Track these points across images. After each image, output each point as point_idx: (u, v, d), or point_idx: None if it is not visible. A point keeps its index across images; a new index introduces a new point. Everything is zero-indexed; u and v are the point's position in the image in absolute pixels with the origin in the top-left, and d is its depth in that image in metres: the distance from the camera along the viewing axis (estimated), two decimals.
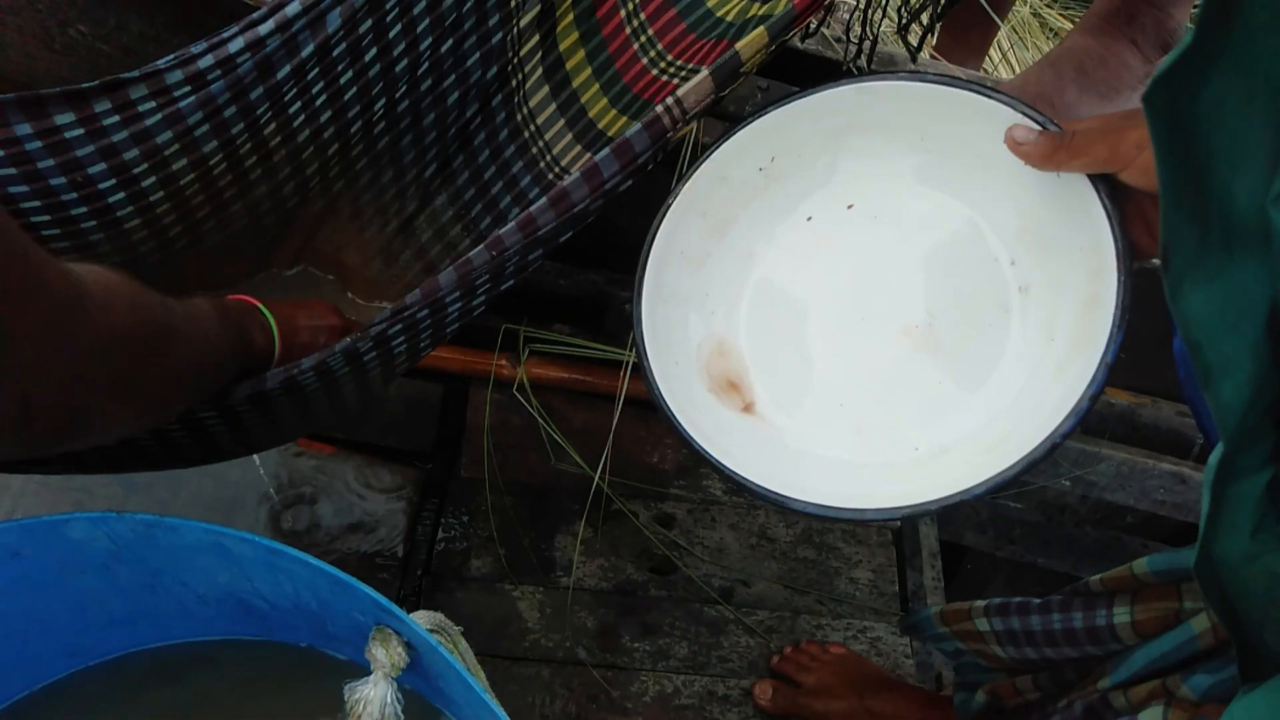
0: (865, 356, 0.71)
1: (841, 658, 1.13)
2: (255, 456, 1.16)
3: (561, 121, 0.90)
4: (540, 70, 0.90)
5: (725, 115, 0.95)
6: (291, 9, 0.74)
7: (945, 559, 1.32)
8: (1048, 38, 1.78)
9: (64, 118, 0.70)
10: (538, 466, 1.25)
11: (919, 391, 0.69)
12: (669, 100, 0.66)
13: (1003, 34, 1.65)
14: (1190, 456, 1.34)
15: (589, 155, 0.89)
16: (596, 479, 1.04)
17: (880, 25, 0.88)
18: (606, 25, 0.87)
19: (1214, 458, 0.44)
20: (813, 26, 0.93)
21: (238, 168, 0.82)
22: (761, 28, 0.66)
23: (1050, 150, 0.62)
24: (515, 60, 0.90)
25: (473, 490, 1.21)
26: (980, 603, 0.89)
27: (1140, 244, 0.61)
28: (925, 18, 0.84)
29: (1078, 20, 1.79)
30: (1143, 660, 0.72)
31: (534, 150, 0.92)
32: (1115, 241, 0.59)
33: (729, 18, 0.82)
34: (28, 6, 1.00)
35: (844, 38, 0.94)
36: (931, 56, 1.34)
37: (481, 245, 0.67)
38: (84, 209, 0.76)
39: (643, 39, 0.86)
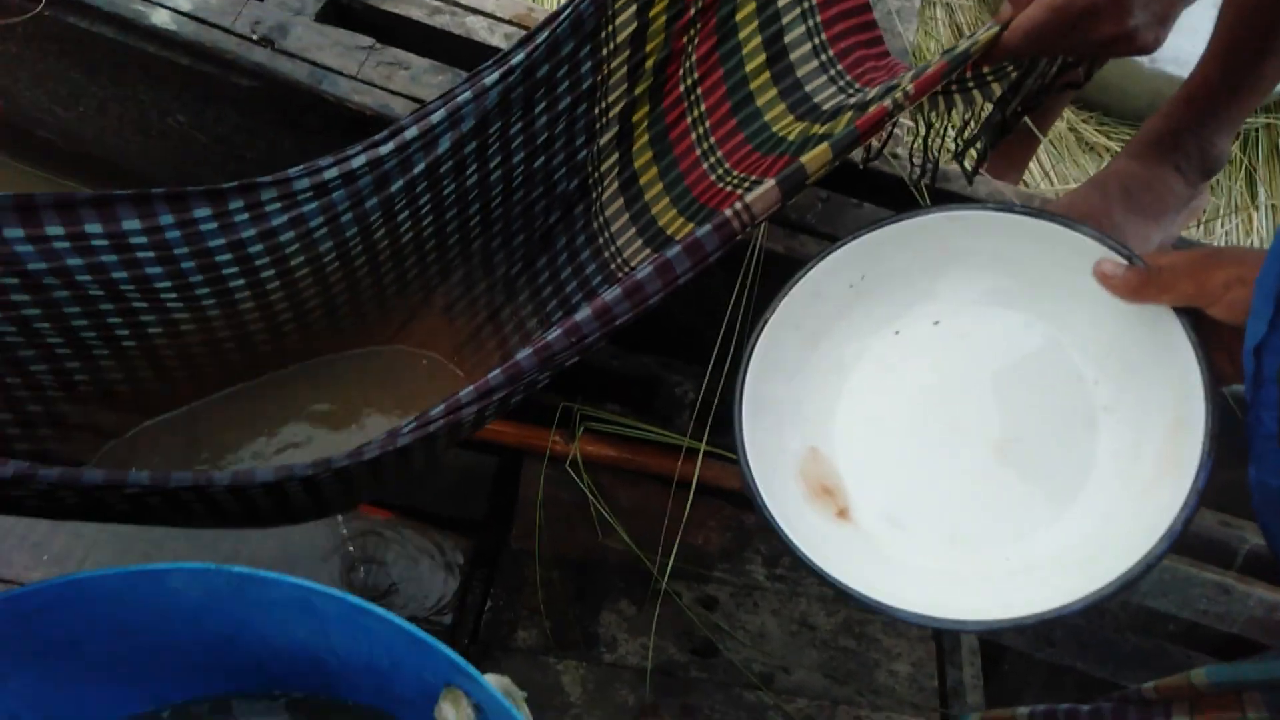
0: (954, 468, 0.74)
1: None
2: (324, 522, 1.20)
3: (633, 228, 0.96)
4: (617, 184, 0.97)
5: (787, 223, 1.01)
6: (410, 133, 0.82)
7: (984, 658, 1.32)
8: (1085, 152, 1.84)
9: (202, 212, 0.78)
10: (585, 541, 1.28)
11: (1009, 505, 0.71)
12: (738, 205, 0.71)
13: (1042, 149, 1.71)
14: (1233, 567, 1.34)
15: (648, 250, 0.96)
16: (657, 565, 1.07)
17: (940, 150, 0.94)
18: (679, 145, 0.94)
19: None
20: (874, 148, 0.99)
21: (347, 265, 0.90)
22: (825, 144, 0.71)
23: (1138, 285, 0.65)
24: (596, 174, 0.98)
25: (521, 562, 1.24)
26: (1024, 710, 0.90)
27: (1223, 370, 0.63)
28: (980, 145, 0.90)
29: (1112, 133, 1.86)
30: None
31: (606, 254, 0.98)
32: (1201, 371, 0.62)
33: (790, 137, 0.88)
34: (131, 97, 1.09)
35: (906, 158, 0.99)
36: (977, 172, 1.40)
37: (560, 330, 0.72)
38: (207, 290, 0.83)
39: (709, 153, 0.92)
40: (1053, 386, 0.72)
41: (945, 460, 0.75)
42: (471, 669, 0.65)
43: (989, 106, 0.86)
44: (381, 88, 0.98)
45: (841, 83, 0.86)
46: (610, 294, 0.71)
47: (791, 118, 0.88)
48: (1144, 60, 1.69)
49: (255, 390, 0.98)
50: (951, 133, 0.91)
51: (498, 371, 0.71)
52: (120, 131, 1.14)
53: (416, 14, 1.06)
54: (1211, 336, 0.63)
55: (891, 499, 0.75)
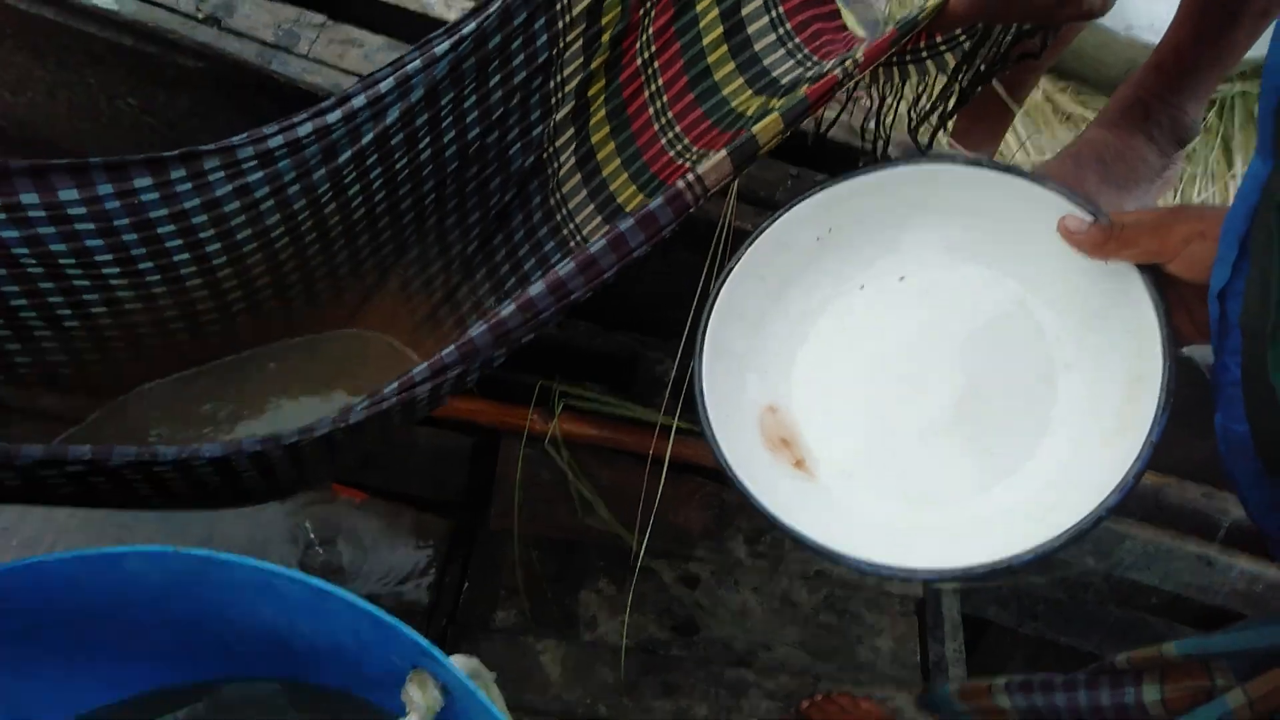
0: (914, 422, 0.74)
1: (871, 713, 1.13)
2: (292, 502, 1.19)
3: (591, 205, 0.95)
4: (574, 160, 0.95)
5: (757, 200, 0.99)
6: (357, 101, 0.80)
7: (967, 632, 1.32)
8: (1061, 122, 1.83)
9: (142, 181, 0.75)
10: (564, 521, 1.26)
11: (967, 458, 0.71)
12: (690, 177, 0.69)
13: (1018, 119, 1.69)
14: (1215, 539, 1.34)
15: (607, 227, 0.94)
16: (635, 542, 1.06)
17: (891, 125, 0.92)
18: (636, 120, 0.92)
19: None
20: (833, 117, 0.97)
21: (298, 241, 0.87)
22: (776, 114, 0.69)
23: (1101, 240, 0.65)
24: (551, 150, 0.96)
25: (500, 542, 1.23)
26: (1001, 680, 0.90)
27: (1182, 330, 0.63)
28: (936, 117, 0.88)
29: (1089, 103, 1.84)
30: None
31: (565, 231, 0.96)
32: (1160, 327, 0.62)
33: (748, 112, 0.86)
34: (79, 81, 1.06)
35: (865, 130, 0.98)
36: (950, 145, 1.39)
37: (514, 306, 0.70)
38: (150, 264, 0.80)
39: (667, 128, 0.91)
40: (1015, 342, 0.72)
41: (905, 414, 0.74)
42: (437, 651, 0.64)
43: (944, 79, 0.85)
44: (334, 66, 0.95)
45: (799, 56, 0.85)
46: (564, 268, 0.69)
47: (750, 92, 0.86)
48: (1118, 28, 1.68)
49: (207, 376, 0.96)
50: (905, 107, 0.90)
51: (452, 349, 0.70)
52: (71, 118, 1.11)
53: None
54: (1172, 295, 0.63)
55: (849, 451, 0.75)
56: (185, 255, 0.82)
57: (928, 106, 0.88)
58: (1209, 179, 1.85)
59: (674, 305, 0.89)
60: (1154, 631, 1.43)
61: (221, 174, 0.78)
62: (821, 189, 0.75)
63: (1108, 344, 0.67)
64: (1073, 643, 1.45)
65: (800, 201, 0.75)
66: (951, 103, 0.87)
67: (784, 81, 0.81)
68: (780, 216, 0.75)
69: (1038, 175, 0.69)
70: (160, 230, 0.79)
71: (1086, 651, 1.45)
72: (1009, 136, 1.67)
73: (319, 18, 0.99)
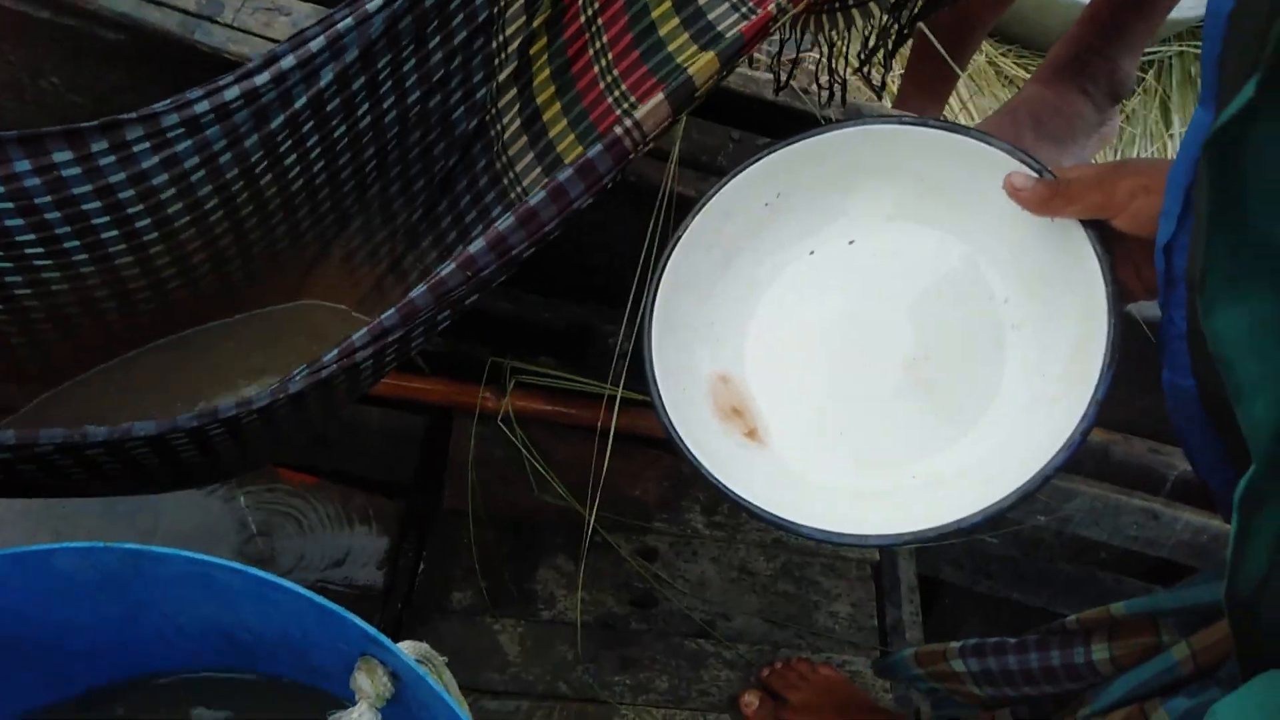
0: (865, 388, 0.73)
1: (829, 679, 1.14)
2: (239, 489, 1.16)
3: (539, 167, 0.93)
4: (519, 121, 0.93)
5: (698, 165, 0.98)
6: (286, 62, 0.76)
7: (923, 593, 1.33)
8: (1004, 85, 1.85)
9: (62, 155, 0.71)
10: (520, 499, 1.25)
11: (917, 422, 0.71)
12: (627, 123, 0.68)
13: (961, 82, 1.70)
14: (1161, 493, 1.36)
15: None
16: (588, 513, 1.05)
17: (846, 72, 0.92)
18: (582, 79, 0.90)
19: (1244, 481, 0.46)
20: (783, 79, 0.96)
21: (233, 214, 0.84)
22: (712, 52, 0.68)
23: (1047, 196, 0.65)
24: (495, 111, 0.93)
25: (455, 522, 1.21)
26: (955, 644, 0.91)
27: (1129, 287, 0.63)
28: (881, 55, 0.88)
29: (1030, 65, 1.86)
30: (1122, 688, 0.74)
31: (512, 195, 0.94)
32: (1106, 284, 0.62)
33: (690, 65, 0.85)
34: None
35: (812, 88, 0.97)
36: (894, 107, 1.39)
37: (453, 264, 0.68)
38: (76, 242, 0.77)
39: (613, 85, 0.89)
40: (964, 304, 0.72)
41: (856, 379, 0.74)
42: (383, 638, 0.62)
43: (888, 19, 0.84)
44: (260, 35, 0.92)
45: (744, 9, 0.83)
46: (504, 223, 0.67)
47: (695, 47, 0.84)
48: None
49: (143, 359, 0.92)
50: (856, 52, 0.89)
51: (391, 312, 0.67)
52: None
53: None
54: (1119, 251, 0.63)
55: (801, 419, 0.74)
56: (114, 232, 0.78)
57: (873, 44, 0.87)
58: (1148, 139, 1.87)
59: (623, 274, 0.88)
60: (1104, 586, 1.46)
61: (146, 144, 0.75)
62: (766, 154, 0.74)
63: (1055, 303, 0.67)
64: (1026, 599, 1.47)
65: (745, 168, 0.74)
66: (893, 42, 0.86)
67: (729, 35, 0.79)
68: (726, 184, 0.74)
69: (983, 134, 0.69)
70: (85, 206, 0.75)
71: (1040, 607, 1.47)
72: (952, 100, 1.68)
73: None
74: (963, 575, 1.46)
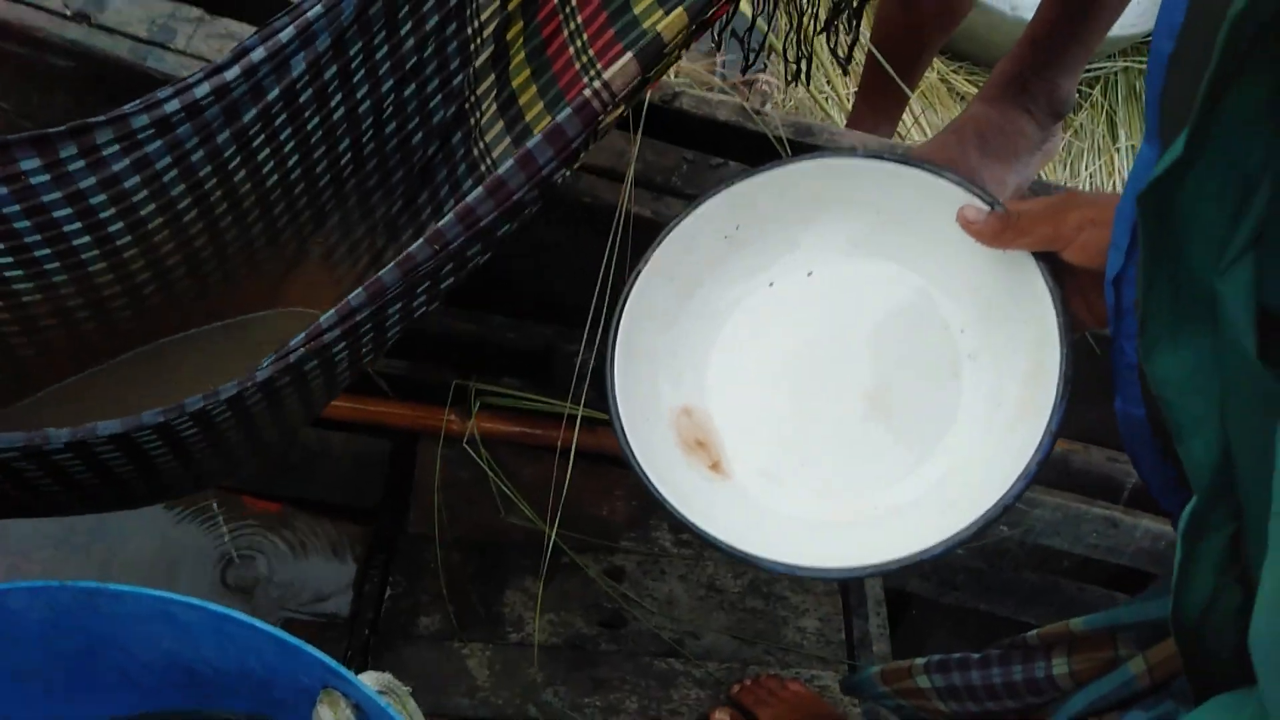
0: (826, 418, 0.74)
1: (799, 695, 1.15)
2: (201, 517, 1.15)
3: (515, 150, 0.92)
4: (495, 106, 0.92)
5: (653, 185, 0.99)
6: (256, 54, 0.75)
7: (890, 606, 1.34)
8: (955, 102, 1.88)
9: (30, 163, 0.70)
10: (487, 521, 1.25)
11: (876, 452, 0.72)
12: (596, 84, 0.66)
13: (914, 99, 1.74)
14: (1120, 501, 1.39)
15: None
16: (548, 531, 1.05)
17: (812, 42, 0.93)
18: (557, 60, 0.89)
19: (1187, 511, 0.47)
20: (739, 103, 0.97)
21: (207, 214, 0.82)
22: (681, 8, 0.67)
23: (998, 229, 0.66)
24: (473, 98, 0.93)
25: (421, 546, 1.21)
26: (920, 660, 0.92)
27: (1079, 317, 0.65)
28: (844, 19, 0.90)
29: (980, 82, 1.91)
30: (1082, 702, 0.75)
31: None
32: (1057, 315, 0.63)
33: (655, 26, 0.85)
34: None
35: (766, 109, 0.99)
36: (846, 126, 1.41)
37: (421, 240, 0.67)
38: (48, 250, 0.75)
39: (589, 65, 0.89)
40: (921, 335, 0.73)
41: (817, 410, 0.75)
42: (344, 670, 0.62)
43: None
44: (213, 61, 0.92)
45: None
46: (474, 195, 0.66)
47: (661, 11, 0.84)
48: (1005, 9, 1.75)
49: (118, 370, 0.90)
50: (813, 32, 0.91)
51: (359, 290, 0.66)
52: None
53: None
54: (1070, 284, 0.64)
55: (763, 451, 0.75)
56: (86, 238, 0.77)
57: (837, 5, 0.89)
58: (1095, 153, 1.92)
59: (584, 294, 0.88)
60: (1066, 594, 1.48)
61: (116, 147, 0.74)
62: (725, 187, 0.74)
63: (1008, 333, 0.68)
64: (992, 609, 1.49)
65: (704, 201, 0.75)
66: (854, 8, 0.87)
67: None
68: (686, 216, 0.75)
69: (936, 166, 0.70)
70: (56, 214, 0.74)
71: (1006, 617, 1.49)
72: (905, 116, 1.72)
73: (196, 11, 0.94)
74: (929, 587, 1.47)
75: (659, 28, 0.67)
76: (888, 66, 1.19)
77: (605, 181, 0.94)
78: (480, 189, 0.66)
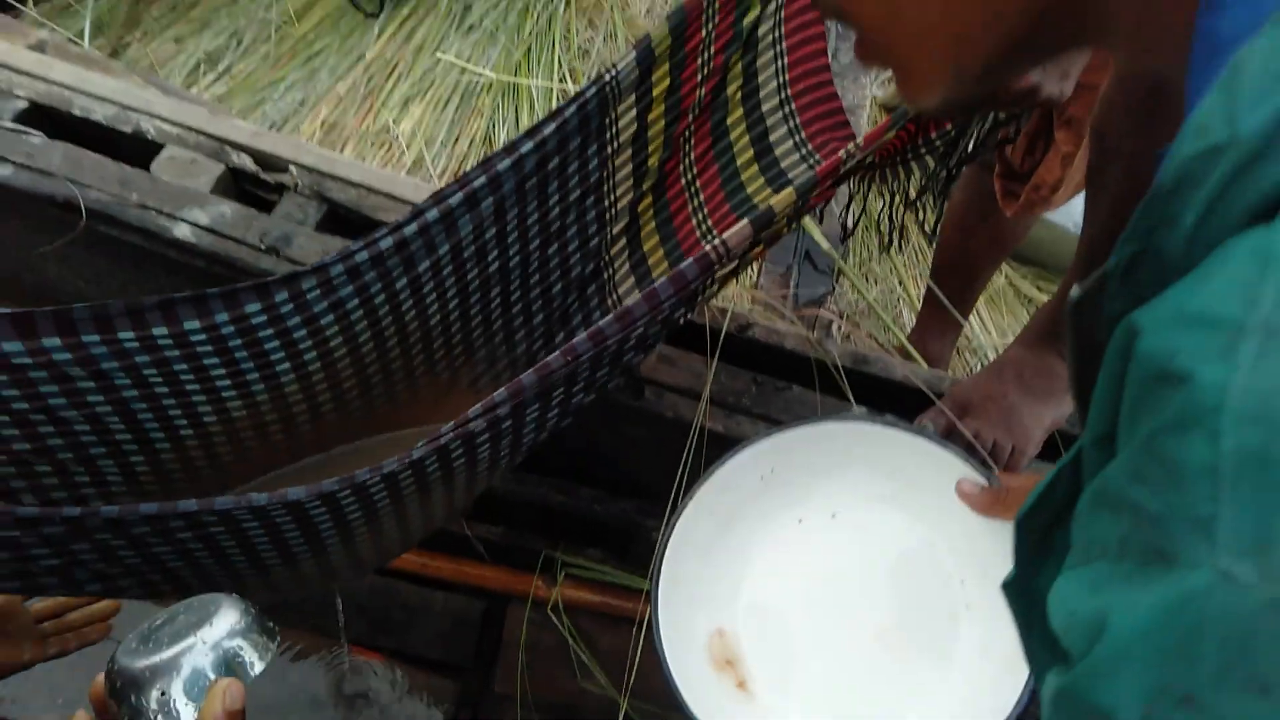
0: (840, 648, 0.83)
1: None
2: (313, 659, 1.28)
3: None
4: (628, 265, 1.08)
5: (725, 405, 1.11)
6: (430, 215, 0.89)
7: None
8: (1022, 304, 2.00)
9: (252, 307, 0.85)
10: (565, 685, 1.34)
11: (881, 687, 0.80)
12: (716, 242, 0.79)
13: (981, 301, 1.86)
14: None
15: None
16: (622, 701, 1.15)
17: (903, 216, 1.08)
18: (681, 230, 1.05)
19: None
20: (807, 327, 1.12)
21: (380, 346, 0.96)
22: (790, 188, 0.80)
23: (990, 503, 0.77)
24: (608, 258, 1.09)
25: (504, 705, 1.31)
26: None
27: None
28: (932, 198, 1.04)
29: (1045, 287, 2.02)
30: None
31: None
32: None
33: (768, 201, 1.01)
34: (152, 283, 1.20)
35: (827, 342, 1.13)
36: (909, 336, 1.54)
37: (557, 352, 0.78)
38: (256, 375, 0.90)
39: (708, 233, 1.04)
40: (926, 581, 0.82)
41: (833, 640, 0.83)
42: None
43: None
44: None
45: (811, 161, 1.00)
46: (604, 321, 0.78)
47: (770, 190, 0.99)
48: (1068, 224, 1.89)
49: (299, 474, 1.03)
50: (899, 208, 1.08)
51: (501, 390, 0.77)
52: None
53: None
54: None
55: (784, 673, 0.83)
56: (286, 365, 0.90)
57: (924, 185, 1.05)
58: None
59: (665, 482, 1.01)
60: None
61: (317, 292, 0.87)
62: (765, 437, 0.86)
63: (999, 590, 0.78)
64: None
65: (746, 448, 0.86)
66: (941, 185, 1.03)
67: (803, 177, 0.90)
68: (728, 460, 0.86)
69: (942, 440, 0.81)
70: (267, 346, 0.88)
71: None
72: (973, 318, 1.84)
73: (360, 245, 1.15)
74: None
75: (770, 202, 0.79)
76: (943, 298, 1.34)
77: (685, 400, 1.09)
78: (610, 317, 0.78)
